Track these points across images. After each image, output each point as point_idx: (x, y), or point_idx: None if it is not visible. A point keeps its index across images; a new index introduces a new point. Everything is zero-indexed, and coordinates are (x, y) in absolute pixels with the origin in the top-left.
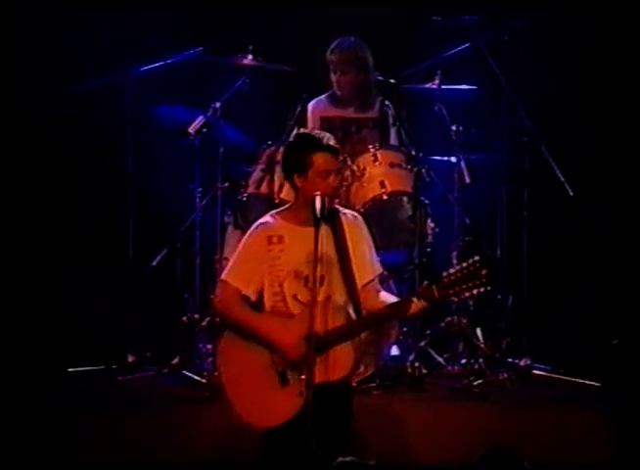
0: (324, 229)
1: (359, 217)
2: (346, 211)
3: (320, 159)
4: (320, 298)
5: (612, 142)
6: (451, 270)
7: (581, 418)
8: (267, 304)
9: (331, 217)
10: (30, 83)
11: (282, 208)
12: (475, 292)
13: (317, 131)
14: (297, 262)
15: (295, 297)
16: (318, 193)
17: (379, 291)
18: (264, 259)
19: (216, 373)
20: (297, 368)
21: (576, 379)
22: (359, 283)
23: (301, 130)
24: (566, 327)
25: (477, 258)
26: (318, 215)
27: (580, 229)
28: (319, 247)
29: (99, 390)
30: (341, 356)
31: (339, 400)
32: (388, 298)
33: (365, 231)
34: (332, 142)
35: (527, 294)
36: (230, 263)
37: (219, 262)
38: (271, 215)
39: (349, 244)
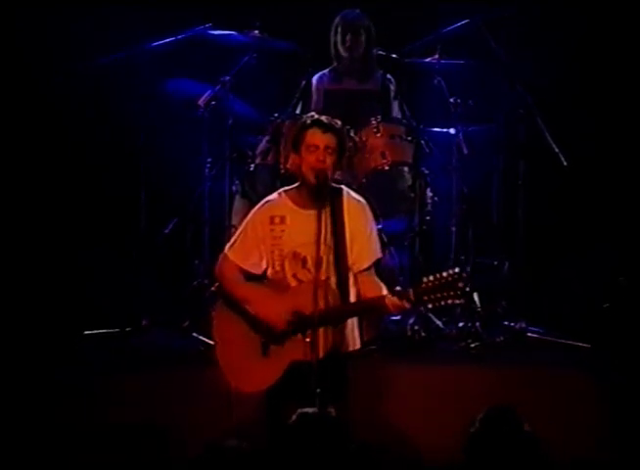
0: (325, 211)
1: (363, 202)
2: (353, 193)
3: (309, 134)
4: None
5: (607, 114)
6: (431, 277)
7: (572, 378)
8: (269, 275)
9: (332, 197)
10: (41, 61)
11: (291, 186)
12: (449, 302)
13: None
14: (296, 244)
15: (295, 276)
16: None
17: (373, 279)
18: (266, 238)
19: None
20: (278, 341)
21: (569, 341)
22: (356, 269)
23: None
24: (559, 292)
25: (457, 269)
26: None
27: (574, 198)
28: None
29: (113, 352)
30: (321, 338)
31: (333, 371)
32: (380, 288)
33: (368, 216)
34: (324, 118)
35: (523, 260)
36: (233, 238)
37: (227, 230)
38: (279, 193)
39: (348, 229)
